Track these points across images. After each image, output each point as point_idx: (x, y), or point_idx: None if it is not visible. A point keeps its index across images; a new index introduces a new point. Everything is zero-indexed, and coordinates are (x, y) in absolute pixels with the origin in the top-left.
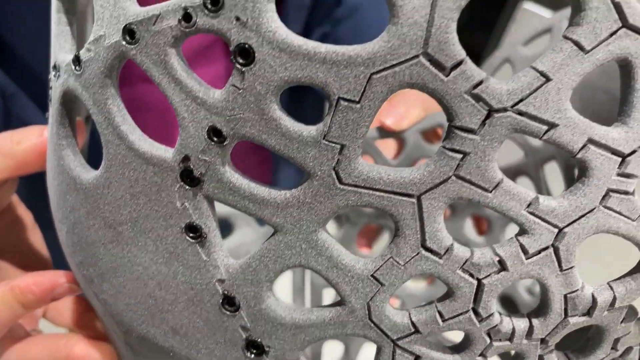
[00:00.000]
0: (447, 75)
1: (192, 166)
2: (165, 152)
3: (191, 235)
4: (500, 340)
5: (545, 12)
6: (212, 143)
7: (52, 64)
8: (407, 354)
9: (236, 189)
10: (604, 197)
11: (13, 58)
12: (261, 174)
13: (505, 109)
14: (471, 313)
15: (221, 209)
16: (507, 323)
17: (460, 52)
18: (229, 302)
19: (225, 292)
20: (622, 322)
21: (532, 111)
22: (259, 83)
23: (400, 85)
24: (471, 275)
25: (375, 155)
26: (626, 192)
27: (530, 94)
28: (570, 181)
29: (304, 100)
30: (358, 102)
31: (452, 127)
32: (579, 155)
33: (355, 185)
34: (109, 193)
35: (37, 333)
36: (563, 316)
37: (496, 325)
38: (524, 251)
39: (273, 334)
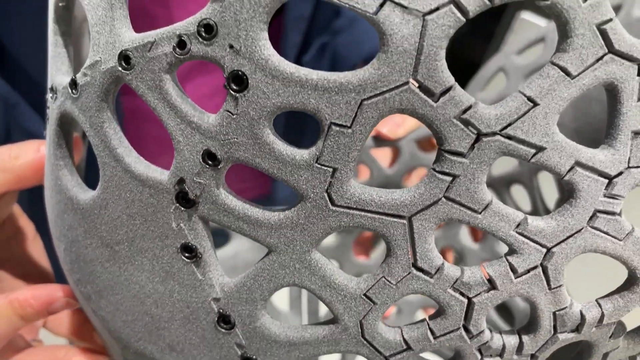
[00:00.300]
0: (436, 101)
1: (187, 188)
2: (160, 175)
3: (187, 255)
4: (491, 356)
5: (542, 22)
6: (207, 166)
7: (49, 85)
8: None
9: (230, 210)
10: (591, 218)
11: (16, 68)
12: (262, 180)
13: (493, 133)
14: (462, 330)
15: None
16: (498, 339)
17: (449, 79)
18: (224, 320)
19: (221, 311)
20: (610, 337)
21: (520, 135)
22: (252, 109)
23: (391, 110)
24: (462, 293)
25: (370, 164)
26: (613, 213)
27: (518, 118)
28: (564, 190)
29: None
30: (350, 127)
31: (442, 150)
32: (566, 178)
33: (348, 207)
34: (106, 213)
35: (37, 343)
36: (552, 332)
37: (487, 341)
38: (513, 270)
39: (268, 351)
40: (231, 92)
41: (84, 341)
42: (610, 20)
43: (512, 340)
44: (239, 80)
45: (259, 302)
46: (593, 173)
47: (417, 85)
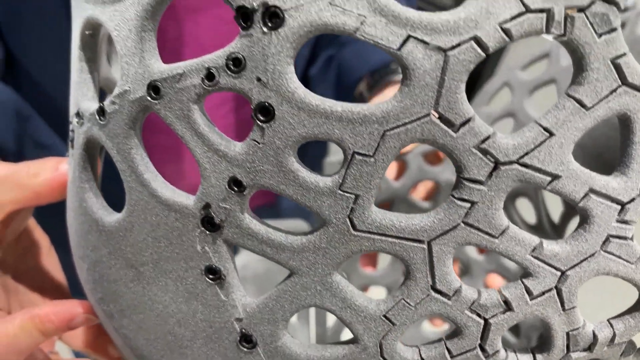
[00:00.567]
0: (456, 132)
1: (212, 213)
2: (187, 199)
3: (211, 277)
4: None
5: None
6: (233, 192)
7: (74, 111)
8: None
9: (254, 234)
10: (604, 242)
11: (28, 80)
12: None
13: (511, 162)
14: (478, 350)
15: None
16: (512, 358)
17: (469, 110)
18: (246, 339)
19: (243, 330)
20: (621, 355)
21: (537, 164)
22: (278, 138)
23: (412, 140)
24: (478, 315)
25: None
26: (625, 238)
27: (535, 148)
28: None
29: None
30: (372, 156)
31: (461, 178)
32: (580, 204)
33: (369, 232)
34: (131, 236)
35: (55, 355)
36: (565, 352)
37: None
38: (529, 292)
39: None
40: (258, 122)
41: (98, 354)
42: (624, 54)
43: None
44: (265, 112)
45: (280, 323)
46: (606, 200)
47: (437, 116)
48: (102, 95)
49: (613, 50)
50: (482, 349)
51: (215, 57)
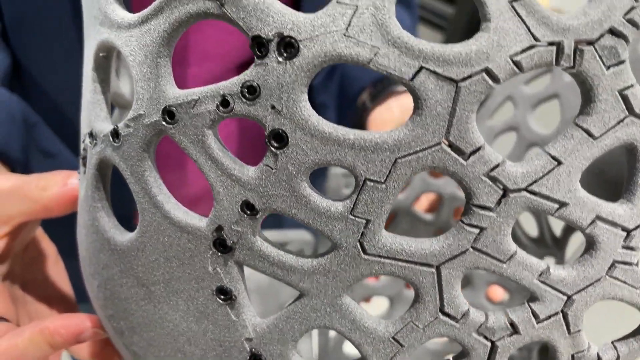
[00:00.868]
0: (466, 160)
1: (225, 235)
2: (199, 221)
3: (222, 297)
4: None
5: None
6: (245, 215)
7: (86, 130)
8: None
9: (266, 257)
10: (610, 268)
11: (34, 89)
12: None
13: (520, 190)
14: None
15: None
16: None
17: (479, 139)
18: (256, 359)
19: (253, 350)
20: None
21: (545, 191)
22: (291, 164)
23: (423, 168)
24: (485, 337)
25: None
26: (630, 263)
27: (543, 176)
28: None
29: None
30: (383, 183)
31: (471, 204)
32: (587, 231)
33: (379, 256)
34: (143, 255)
35: None
36: None
37: None
38: (535, 316)
39: None
40: (271, 148)
41: None
42: (632, 86)
43: None
44: (279, 138)
45: (289, 343)
46: (613, 226)
47: (448, 144)
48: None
49: (621, 82)
50: None
51: (230, 85)
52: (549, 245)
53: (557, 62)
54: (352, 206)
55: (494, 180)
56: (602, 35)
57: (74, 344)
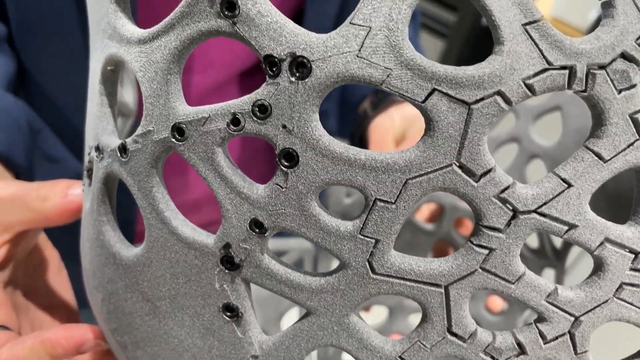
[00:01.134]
0: (477, 181)
1: (232, 253)
2: (207, 238)
3: (228, 314)
4: None
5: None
6: (254, 233)
7: (93, 143)
8: None
9: (273, 275)
10: (617, 290)
11: (39, 94)
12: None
13: (529, 211)
14: None
15: None
16: None
17: (490, 161)
18: None
19: None
20: None
21: (555, 213)
22: (302, 184)
23: (433, 189)
24: (492, 357)
25: None
26: (638, 285)
27: (553, 198)
28: None
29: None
30: (394, 203)
31: (480, 225)
32: (595, 253)
33: (388, 275)
34: (149, 271)
35: None
36: None
37: None
38: (543, 337)
39: None
40: (282, 167)
41: None
42: None
43: None
44: (289, 157)
45: None
46: (621, 249)
47: (459, 165)
48: None
49: (632, 105)
50: None
51: (241, 103)
52: (549, 256)
53: (569, 86)
54: (361, 226)
55: (504, 201)
56: (614, 60)
57: (75, 355)
